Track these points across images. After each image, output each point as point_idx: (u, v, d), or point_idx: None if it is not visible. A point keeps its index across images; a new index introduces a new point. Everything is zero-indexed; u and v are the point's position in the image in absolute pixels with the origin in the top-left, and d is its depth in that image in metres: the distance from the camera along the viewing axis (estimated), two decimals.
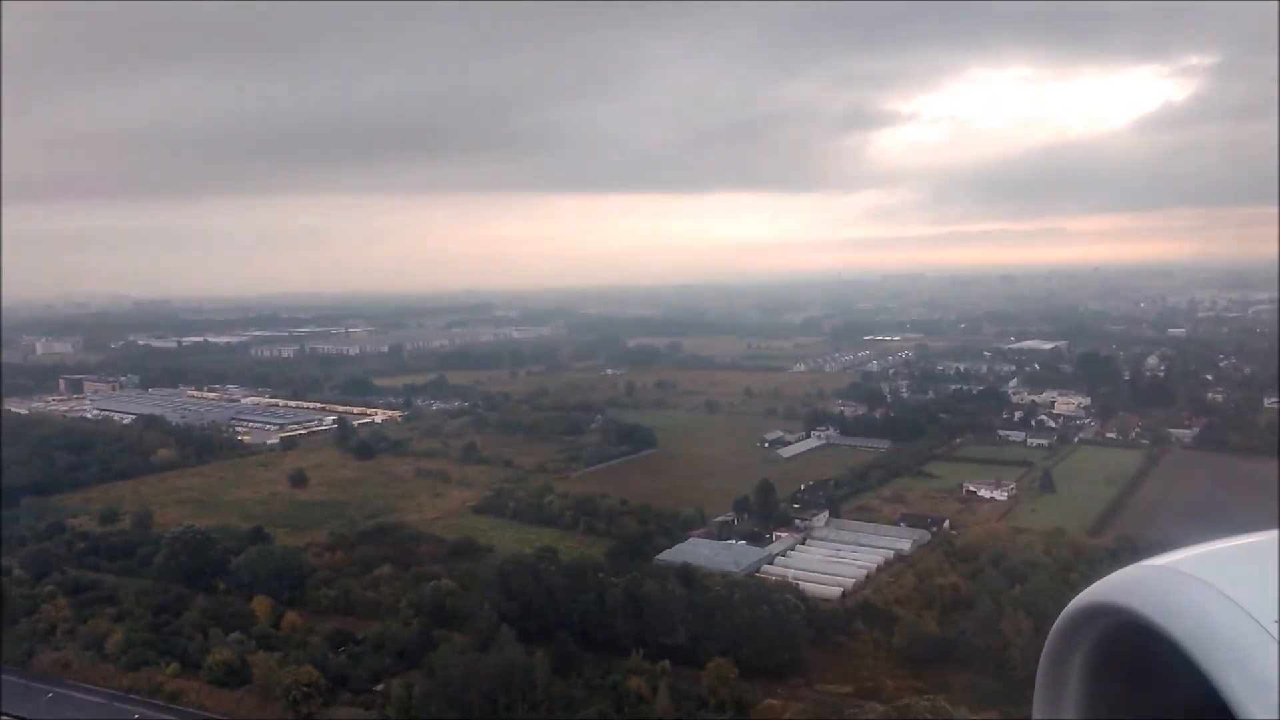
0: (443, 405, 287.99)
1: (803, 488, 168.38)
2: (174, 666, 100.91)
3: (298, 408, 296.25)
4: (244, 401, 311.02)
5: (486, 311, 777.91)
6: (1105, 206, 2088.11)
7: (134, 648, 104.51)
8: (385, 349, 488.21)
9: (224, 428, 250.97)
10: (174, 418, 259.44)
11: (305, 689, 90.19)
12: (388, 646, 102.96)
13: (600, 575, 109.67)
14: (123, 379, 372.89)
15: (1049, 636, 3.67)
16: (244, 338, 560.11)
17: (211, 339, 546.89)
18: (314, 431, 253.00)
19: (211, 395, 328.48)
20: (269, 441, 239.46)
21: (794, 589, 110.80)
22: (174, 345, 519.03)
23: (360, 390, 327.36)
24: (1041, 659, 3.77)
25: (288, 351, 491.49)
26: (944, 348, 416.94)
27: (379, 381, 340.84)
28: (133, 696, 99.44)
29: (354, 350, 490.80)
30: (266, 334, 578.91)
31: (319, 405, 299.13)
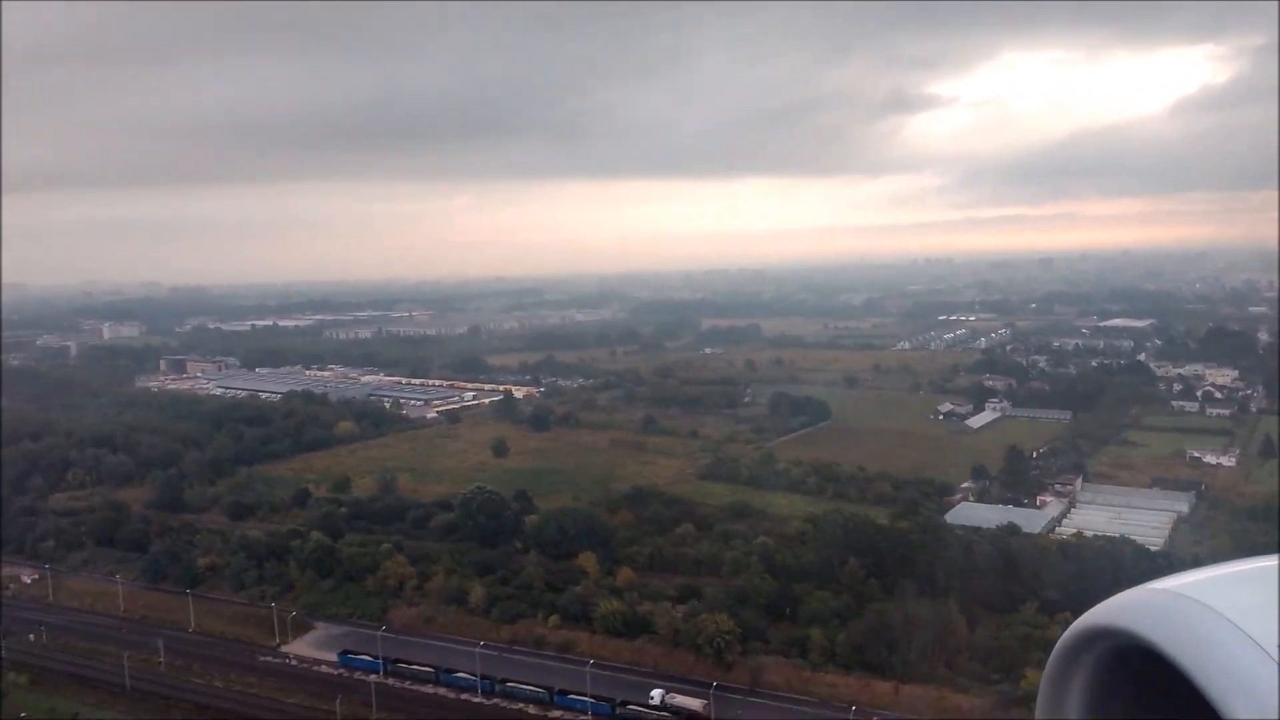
0: (570, 382, 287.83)
1: (1034, 455, 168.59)
2: (554, 618, 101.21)
3: (428, 385, 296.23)
4: (366, 379, 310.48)
5: (536, 296, 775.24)
6: (1123, 191, 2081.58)
7: (501, 601, 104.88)
8: (462, 330, 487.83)
9: (382, 403, 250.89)
10: (319, 395, 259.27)
11: (726, 637, 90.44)
12: (753, 600, 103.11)
13: (960, 534, 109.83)
14: (223, 360, 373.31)
15: (1050, 658, 3.62)
16: (310, 321, 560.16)
17: (280, 322, 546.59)
18: (466, 406, 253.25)
19: (327, 374, 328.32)
20: (429, 415, 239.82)
21: (1136, 546, 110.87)
22: (247, 328, 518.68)
23: (473, 368, 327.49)
24: (1042, 681, 3.71)
25: (365, 333, 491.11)
26: (1032, 326, 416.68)
27: (489, 360, 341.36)
28: (517, 648, 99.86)
29: (430, 332, 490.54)
30: (331, 318, 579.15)
31: (447, 382, 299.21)
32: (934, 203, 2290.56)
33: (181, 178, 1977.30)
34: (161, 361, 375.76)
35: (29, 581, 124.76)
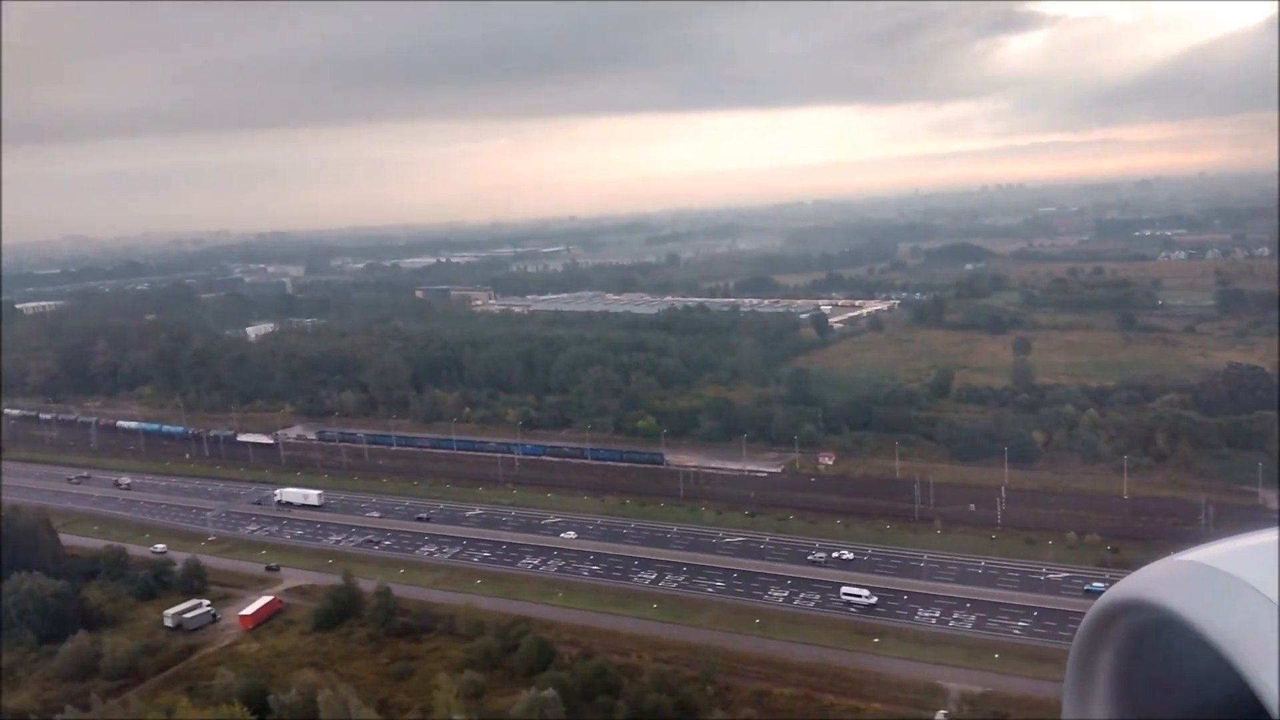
0: (908, 295, 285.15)
1: None
2: None
3: (756, 303, 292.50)
4: (667, 299, 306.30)
5: (646, 231, 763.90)
6: (1164, 115, 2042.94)
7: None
8: (656, 260, 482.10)
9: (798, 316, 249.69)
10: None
11: None
12: None
13: None
14: (486, 289, 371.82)
15: (1077, 632, 3.60)
16: (475, 258, 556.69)
17: (453, 259, 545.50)
18: (855, 317, 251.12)
19: (623, 297, 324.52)
20: (836, 325, 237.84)
21: None
22: (431, 262, 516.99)
23: (763, 288, 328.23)
24: (1070, 655, 3.68)
25: (555, 266, 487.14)
26: (1261, 239, 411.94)
27: (777, 280, 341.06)
28: None
29: (623, 261, 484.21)
30: (486, 254, 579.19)
31: (771, 300, 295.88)
32: (978, 130, 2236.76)
33: (224, 124, 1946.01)
34: (418, 291, 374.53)
35: (830, 463, 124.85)
